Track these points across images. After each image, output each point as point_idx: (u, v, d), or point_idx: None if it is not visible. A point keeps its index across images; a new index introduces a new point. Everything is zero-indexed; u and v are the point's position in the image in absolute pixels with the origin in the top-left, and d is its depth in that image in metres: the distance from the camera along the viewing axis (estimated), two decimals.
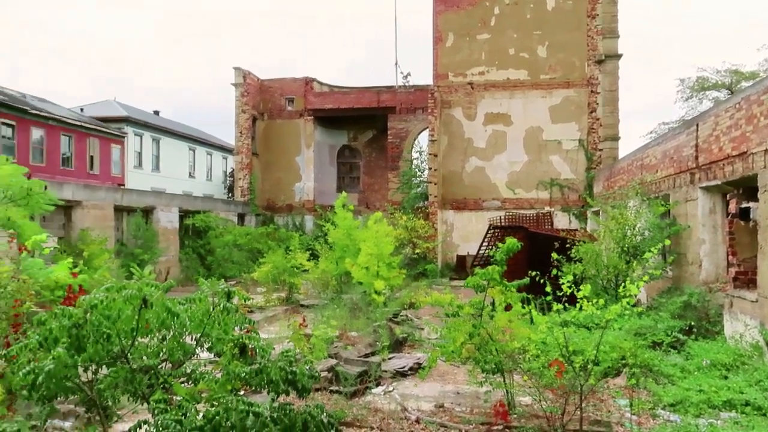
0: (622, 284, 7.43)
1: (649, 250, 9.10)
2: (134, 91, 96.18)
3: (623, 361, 7.96)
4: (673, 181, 13.04)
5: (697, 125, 11.56)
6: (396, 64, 32.53)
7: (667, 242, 10.68)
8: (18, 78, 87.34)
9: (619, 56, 25.24)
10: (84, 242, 16.54)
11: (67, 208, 17.42)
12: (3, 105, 27.51)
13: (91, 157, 33.77)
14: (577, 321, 9.25)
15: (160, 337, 4.54)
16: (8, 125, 27.86)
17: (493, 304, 6.91)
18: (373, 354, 9.49)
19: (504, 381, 6.61)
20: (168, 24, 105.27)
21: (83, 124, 33.06)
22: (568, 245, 12.80)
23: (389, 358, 9.38)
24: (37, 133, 29.66)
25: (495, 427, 6.28)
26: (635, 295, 6.34)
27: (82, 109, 37.85)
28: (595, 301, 6.34)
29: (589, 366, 6.16)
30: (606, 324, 6.45)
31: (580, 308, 6.43)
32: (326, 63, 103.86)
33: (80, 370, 4.24)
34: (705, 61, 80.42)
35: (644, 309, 11.00)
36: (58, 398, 4.18)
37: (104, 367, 4.32)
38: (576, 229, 20.09)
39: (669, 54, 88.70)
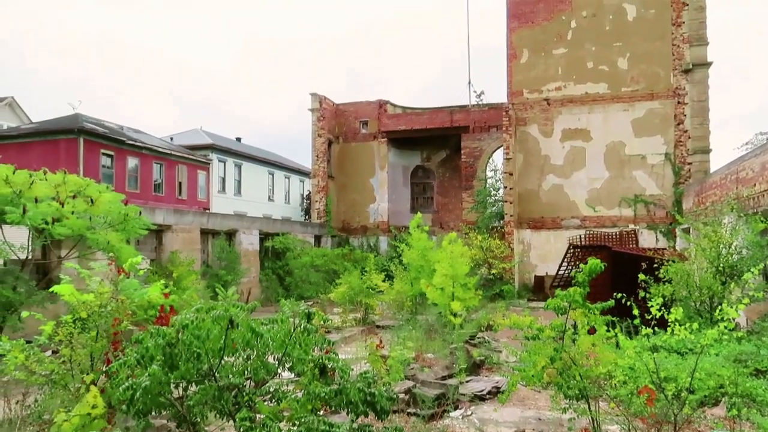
0: (718, 307, 6.98)
1: (749, 270, 8.51)
2: (219, 116, 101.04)
3: (722, 390, 7.43)
4: None
5: None
6: (469, 83, 32.51)
7: None
8: (115, 107, 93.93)
9: (708, 64, 24.05)
10: (173, 264, 17.41)
11: (159, 232, 18.44)
12: (104, 137, 29.69)
13: (180, 183, 35.66)
14: (668, 346, 8.75)
15: (245, 356, 4.69)
16: (108, 155, 30.00)
17: (575, 326, 6.66)
18: (450, 376, 9.38)
19: (589, 408, 6.33)
20: (247, 53, 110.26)
21: (173, 153, 35.05)
22: (655, 265, 12.19)
23: (467, 381, 9.23)
24: (132, 162, 31.73)
25: None
26: (734, 319, 5.94)
27: (171, 138, 40.18)
28: (688, 324, 5.98)
29: (683, 394, 5.80)
30: (701, 349, 6.07)
31: (672, 332, 6.08)
32: (401, 85, 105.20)
33: (172, 386, 4.45)
34: None
35: (744, 334, 10.26)
36: (153, 413, 4.40)
37: (194, 384, 4.52)
38: (664, 248, 19.12)
39: (764, 60, 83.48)
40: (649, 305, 6.31)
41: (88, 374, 5.64)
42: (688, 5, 24.17)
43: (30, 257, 11.79)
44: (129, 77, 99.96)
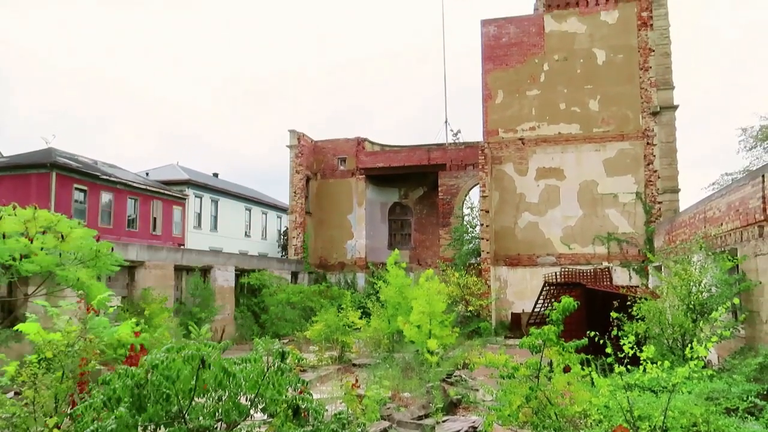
0: (689, 344, 7.07)
1: (717, 309, 8.66)
2: (197, 151, 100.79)
3: (695, 429, 7.47)
4: (740, 234, 12.50)
5: (764, 176, 11.13)
6: (446, 122, 33.20)
7: (737, 301, 10.15)
8: (91, 141, 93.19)
9: (675, 107, 24.88)
10: (146, 301, 17.08)
11: (131, 268, 18.12)
12: (77, 172, 29.33)
13: (155, 219, 35.25)
14: (641, 384, 8.79)
15: (216, 397, 4.60)
16: (81, 190, 29.59)
17: (550, 365, 6.68)
18: (426, 416, 9.27)
19: None
20: (225, 89, 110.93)
21: (148, 188, 34.74)
22: (628, 302, 12.33)
23: (443, 421, 9.12)
24: (106, 197, 31.33)
25: None
26: (704, 357, 6.02)
27: (147, 173, 39.87)
28: (660, 362, 6.04)
29: None
30: (673, 388, 6.12)
31: (644, 370, 6.13)
32: (380, 122, 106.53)
33: (140, 429, 4.33)
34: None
35: (715, 371, 10.37)
36: None
37: (162, 426, 4.40)
38: (637, 286, 19.37)
39: (727, 102, 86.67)
40: (621, 343, 6.38)
41: (51, 417, 5.45)
42: (654, 51, 25.12)
43: None
44: (106, 111, 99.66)
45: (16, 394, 6.79)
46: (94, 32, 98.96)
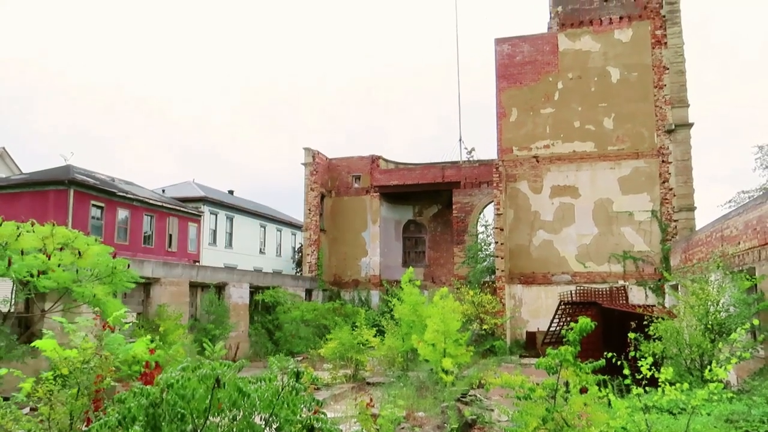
0: (708, 365, 6.95)
1: (737, 330, 8.52)
2: (213, 168, 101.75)
3: None
4: (759, 253, 12.33)
5: None
6: (460, 139, 33.11)
7: (756, 321, 9.98)
8: (108, 158, 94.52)
9: (690, 125, 24.75)
10: (161, 318, 17.16)
11: (147, 285, 18.25)
12: (95, 189, 29.73)
13: (170, 236, 35.54)
14: (659, 406, 8.64)
15: (231, 416, 4.59)
16: (98, 207, 29.96)
17: (567, 385, 6.59)
18: None
19: None
20: (241, 109, 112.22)
21: (164, 205, 35.09)
22: (645, 322, 12.17)
23: None
24: (122, 214, 31.68)
25: None
26: (723, 379, 5.92)
27: (163, 191, 40.29)
28: (678, 384, 5.94)
29: None
30: (693, 410, 6.01)
31: (663, 392, 6.03)
32: (394, 140, 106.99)
33: None
34: None
35: (735, 393, 10.17)
36: None
37: None
38: (653, 305, 19.12)
39: (743, 120, 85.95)
40: (639, 364, 6.29)
41: None
42: (668, 69, 25.06)
43: (12, 310, 11.60)
44: (124, 130, 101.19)
45: (32, 410, 6.84)
46: (112, 51, 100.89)
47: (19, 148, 78.01)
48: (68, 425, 5.68)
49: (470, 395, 12.96)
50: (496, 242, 24.86)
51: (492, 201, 26.74)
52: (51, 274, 10.73)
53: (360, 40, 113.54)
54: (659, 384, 6.06)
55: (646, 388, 6.25)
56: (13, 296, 11.44)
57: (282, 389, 4.52)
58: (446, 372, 12.70)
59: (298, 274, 36.34)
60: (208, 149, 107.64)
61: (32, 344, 6.56)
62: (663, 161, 24.78)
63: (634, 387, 6.14)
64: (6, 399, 5.88)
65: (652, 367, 6.17)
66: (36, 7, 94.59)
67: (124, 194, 31.73)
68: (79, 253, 11.13)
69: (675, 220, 24.31)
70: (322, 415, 4.75)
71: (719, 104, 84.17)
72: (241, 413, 4.51)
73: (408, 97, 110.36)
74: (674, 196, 24.49)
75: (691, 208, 24.34)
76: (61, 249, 11.07)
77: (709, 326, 11.75)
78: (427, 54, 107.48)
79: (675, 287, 19.30)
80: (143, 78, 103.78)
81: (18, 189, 29.49)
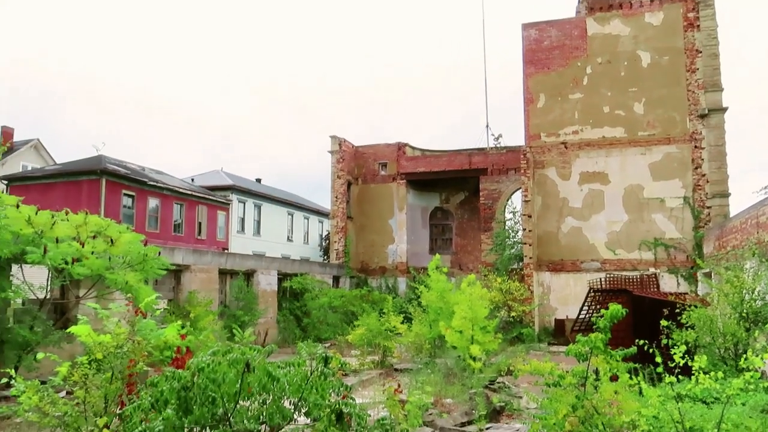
0: (743, 354, 6.78)
1: None
2: (239, 158, 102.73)
3: None
4: None
5: None
6: (487, 126, 32.92)
7: None
8: (138, 148, 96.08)
9: (723, 109, 24.06)
10: (191, 304, 17.45)
11: (177, 272, 18.55)
12: (126, 178, 30.27)
13: (200, 224, 36.03)
14: (692, 395, 8.48)
15: (261, 400, 4.64)
16: (129, 196, 30.51)
17: (597, 373, 6.50)
18: (469, 423, 9.16)
19: None
20: (269, 99, 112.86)
21: (193, 193, 35.56)
22: (677, 310, 11.94)
23: (486, 428, 9.00)
24: (153, 203, 32.21)
25: None
26: (759, 368, 5.77)
27: (192, 179, 40.82)
28: (713, 373, 5.81)
29: None
30: (727, 399, 5.88)
31: (696, 381, 5.90)
32: (419, 131, 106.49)
33: (186, 431, 4.40)
34: None
35: None
36: None
37: (208, 429, 4.46)
38: (685, 293, 18.76)
39: None
40: (672, 352, 6.16)
41: (101, 417, 5.60)
42: (701, 52, 24.36)
43: (48, 297, 11.91)
44: (153, 120, 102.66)
45: (68, 393, 7.02)
46: (143, 46, 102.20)
47: (53, 140, 79.80)
48: (103, 408, 5.80)
49: (498, 382, 12.92)
50: (524, 229, 24.63)
51: (519, 188, 26.46)
52: (85, 261, 10.97)
53: (385, 35, 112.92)
54: (692, 373, 5.94)
55: (679, 377, 6.13)
56: (49, 283, 11.75)
57: (311, 374, 4.55)
58: (474, 359, 12.66)
59: (326, 262, 36.58)
60: (234, 140, 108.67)
61: (68, 330, 6.72)
62: (696, 147, 24.18)
63: (666, 375, 6.03)
64: (43, 383, 6.04)
65: (685, 356, 6.05)
66: (70, 8, 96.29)
67: (155, 183, 32.22)
68: (112, 241, 11.36)
69: (708, 207, 23.75)
70: (351, 400, 4.78)
71: (759, 88, 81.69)
72: (271, 397, 4.55)
73: (434, 91, 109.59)
74: (707, 182, 23.90)
75: (725, 195, 23.73)
76: (94, 237, 11.31)
77: (744, 315, 11.47)
78: (452, 47, 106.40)
79: (708, 275, 18.89)
80: (170, 74, 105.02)
81: (52, 179, 30.19)
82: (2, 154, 33.65)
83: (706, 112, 24.02)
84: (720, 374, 5.89)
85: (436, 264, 16.52)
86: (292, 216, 46.16)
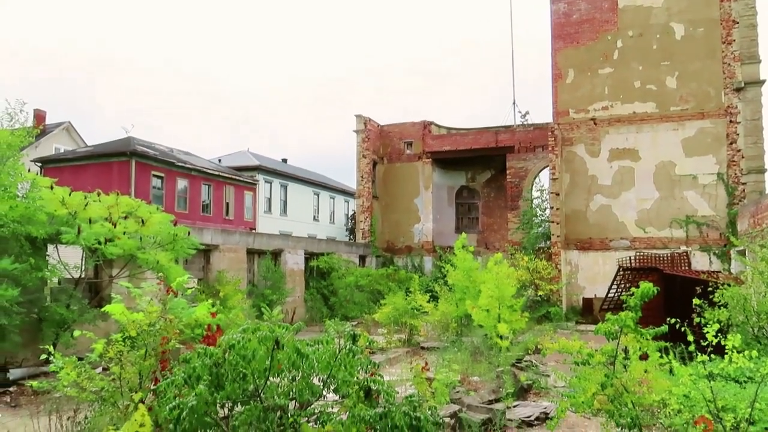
0: None
1: None
2: (266, 138, 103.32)
3: None
4: None
5: None
6: (514, 103, 32.40)
7: None
8: (166, 130, 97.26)
9: (761, 82, 23.28)
10: (220, 283, 17.73)
11: (206, 252, 18.84)
12: (155, 159, 30.72)
13: (227, 204, 36.47)
14: (725, 374, 8.35)
15: (290, 377, 4.70)
16: (158, 177, 30.99)
17: (626, 351, 6.44)
18: (497, 401, 9.18)
19: None
20: (296, 81, 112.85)
21: (221, 174, 35.94)
22: (710, 289, 11.72)
23: (514, 406, 9.01)
24: (181, 183, 32.67)
25: None
26: None
27: (220, 160, 41.23)
28: (746, 352, 5.70)
29: (742, 425, 5.52)
30: (762, 378, 5.77)
31: (730, 360, 5.80)
32: (445, 112, 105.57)
33: (218, 406, 4.50)
34: None
35: None
36: None
37: (239, 404, 4.55)
38: (718, 271, 18.40)
39: None
40: (704, 331, 6.06)
41: (136, 392, 5.75)
42: (738, 23, 23.52)
43: (83, 276, 12.21)
44: (181, 101, 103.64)
45: (104, 369, 7.22)
46: (171, 30, 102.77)
47: (84, 122, 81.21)
48: (138, 384, 5.96)
49: (525, 360, 12.90)
50: (552, 207, 24.35)
51: (547, 165, 26.10)
52: (117, 241, 11.20)
53: (413, 18, 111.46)
54: (725, 352, 5.83)
55: (711, 356, 6.03)
56: (84, 263, 12.04)
57: (339, 352, 4.59)
58: (501, 337, 12.64)
59: (352, 241, 36.75)
60: (261, 120, 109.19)
61: (102, 308, 6.88)
62: (731, 121, 23.49)
63: (698, 354, 5.94)
64: (80, 359, 6.22)
65: (718, 335, 5.94)
66: None
67: (183, 164, 32.64)
68: (143, 221, 11.56)
69: (743, 183, 23.13)
70: (379, 377, 4.81)
71: None
72: (300, 374, 4.61)
73: (461, 73, 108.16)
74: (743, 157, 23.25)
75: (762, 171, 23.07)
76: (125, 217, 11.52)
77: None
78: (480, 28, 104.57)
79: (742, 253, 18.46)
80: (196, 56, 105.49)
81: (84, 161, 30.81)
82: (35, 137, 34.35)
83: (743, 85, 23.27)
84: (754, 353, 5.78)
85: (463, 243, 16.45)
86: (318, 196, 46.39)
